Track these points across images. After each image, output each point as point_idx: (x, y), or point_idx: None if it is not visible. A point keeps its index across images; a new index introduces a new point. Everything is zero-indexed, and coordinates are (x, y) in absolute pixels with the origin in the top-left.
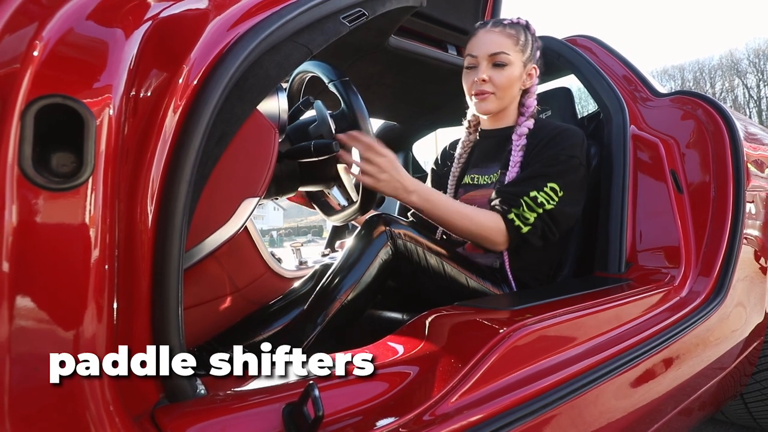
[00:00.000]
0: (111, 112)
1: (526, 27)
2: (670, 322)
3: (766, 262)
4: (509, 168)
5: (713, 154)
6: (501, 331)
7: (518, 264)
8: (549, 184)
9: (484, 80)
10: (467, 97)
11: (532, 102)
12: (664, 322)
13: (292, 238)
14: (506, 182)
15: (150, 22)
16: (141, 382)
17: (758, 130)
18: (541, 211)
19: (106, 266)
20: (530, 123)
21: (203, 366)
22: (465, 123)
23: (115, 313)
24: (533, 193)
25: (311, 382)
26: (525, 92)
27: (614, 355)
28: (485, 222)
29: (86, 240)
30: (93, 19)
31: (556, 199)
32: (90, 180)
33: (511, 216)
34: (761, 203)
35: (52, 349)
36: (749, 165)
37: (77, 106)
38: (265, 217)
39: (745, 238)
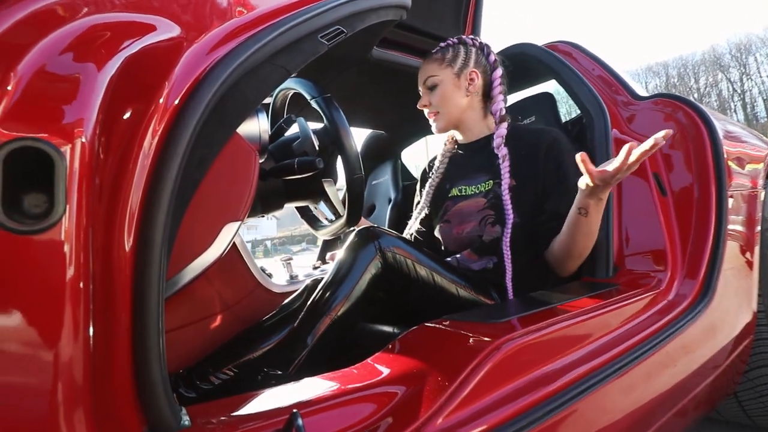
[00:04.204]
0: (83, 148)
1: (458, 42)
2: (658, 326)
3: (752, 258)
4: (502, 177)
5: (694, 155)
6: (488, 345)
7: (514, 266)
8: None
9: (425, 105)
10: None
11: (497, 107)
12: (653, 326)
13: (287, 247)
14: (508, 190)
15: (123, 54)
16: (123, 413)
17: (737, 128)
18: None
19: (82, 306)
20: (503, 129)
21: (192, 387)
22: (444, 137)
23: (92, 354)
24: None
25: (294, 411)
26: (488, 99)
27: (604, 363)
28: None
29: (60, 280)
30: (66, 55)
31: None
32: (63, 219)
33: None
34: (743, 200)
35: (30, 381)
36: (730, 163)
37: (46, 148)
38: (258, 227)
39: (730, 237)
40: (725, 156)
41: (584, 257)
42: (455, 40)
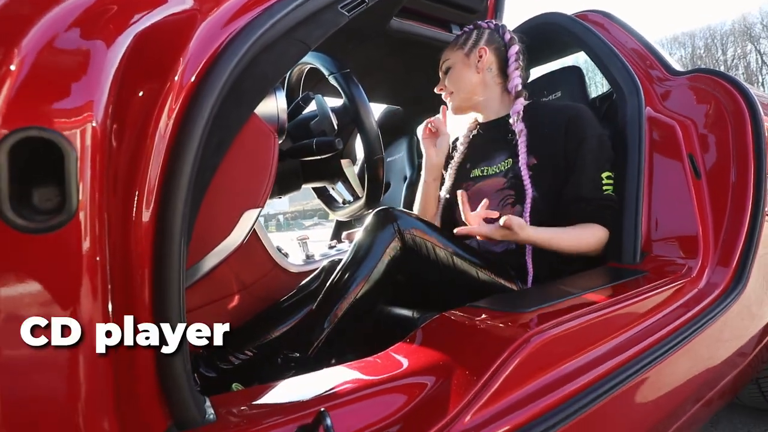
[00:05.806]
0: (94, 133)
1: (473, 28)
2: (689, 317)
3: None
4: (519, 156)
5: (733, 135)
6: (517, 338)
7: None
8: (604, 175)
9: (441, 89)
10: None
11: (513, 85)
12: (683, 317)
13: (299, 221)
14: (526, 167)
15: (134, 29)
16: (147, 409)
17: None
18: (612, 203)
19: (100, 304)
20: (519, 105)
21: (213, 367)
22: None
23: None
24: (607, 192)
25: (322, 409)
26: (506, 77)
27: (636, 354)
28: (588, 237)
29: (77, 277)
30: (72, 31)
31: (612, 181)
32: (77, 213)
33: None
34: None
35: (52, 381)
36: None
37: (55, 137)
38: (270, 201)
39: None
40: (766, 137)
41: (582, 252)
42: (471, 26)
